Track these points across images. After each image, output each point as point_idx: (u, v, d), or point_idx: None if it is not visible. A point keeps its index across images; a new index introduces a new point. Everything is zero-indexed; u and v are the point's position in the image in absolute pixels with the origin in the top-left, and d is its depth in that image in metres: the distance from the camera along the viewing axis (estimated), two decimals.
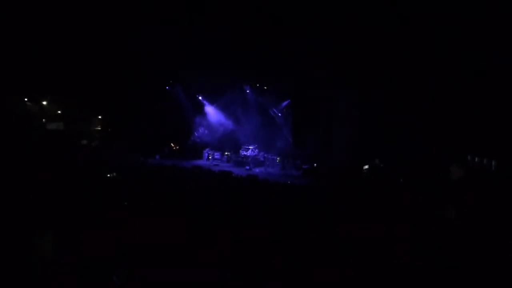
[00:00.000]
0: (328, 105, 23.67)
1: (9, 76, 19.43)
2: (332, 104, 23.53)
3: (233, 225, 9.34)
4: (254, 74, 25.21)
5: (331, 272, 7.12)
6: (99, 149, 25.99)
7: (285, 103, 26.98)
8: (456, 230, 10.78)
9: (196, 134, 28.85)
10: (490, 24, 15.71)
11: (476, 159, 18.30)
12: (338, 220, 10.54)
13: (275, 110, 27.23)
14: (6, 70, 18.41)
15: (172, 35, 20.07)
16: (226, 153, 26.69)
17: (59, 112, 26.67)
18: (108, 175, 14.82)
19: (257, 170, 24.35)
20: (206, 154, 26.68)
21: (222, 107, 27.86)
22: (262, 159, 25.99)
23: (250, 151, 26.08)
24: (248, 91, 27.23)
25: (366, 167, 21.73)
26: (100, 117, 28.62)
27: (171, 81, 27.83)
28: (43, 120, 25.57)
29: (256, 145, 26.48)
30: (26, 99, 24.43)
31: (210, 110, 28.28)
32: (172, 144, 28.03)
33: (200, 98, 28.31)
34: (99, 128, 28.65)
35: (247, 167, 24.51)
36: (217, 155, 26.51)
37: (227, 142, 27.34)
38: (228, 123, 27.91)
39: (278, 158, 25.27)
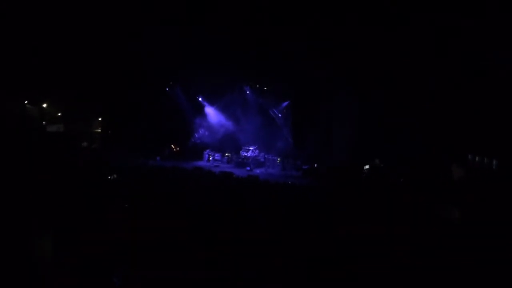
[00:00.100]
0: (328, 105, 23.69)
1: (9, 78, 19.42)
2: (332, 104, 23.54)
3: (233, 225, 9.34)
4: (254, 74, 25.19)
5: (331, 272, 7.12)
6: (100, 150, 26.00)
7: (285, 104, 27.02)
8: (456, 230, 10.77)
9: (196, 136, 28.85)
10: (490, 24, 15.72)
11: (477, 158, 18.30)
12: (338, 220, 10.54)
13: (275, 111, 27.25)
14: (5, 72, 18.41)
15: (171, 35, 20.03)
16: (226, 154, 26.69)
17: (59, 114, 26.67)
18: (109, 177, 14.83)
19: (257, 171, 24.35)
20: (207, 155, 26.67)
21: (222, 108, 27.87)
22: (262, 159, 25.99)
23: (250, 152, 26.09)
24: (248, 92, 27.27)
25: (367, 167, 21.73)
26: (100, 119, 28.64)
27: (171, 83, 27.85)
28: (43, 122, 25.56)
29: (257, 146, 26.50)
30: (26, 102, 24.42)
31: (210, 111, 28.29)
32: (172, 145, 28.03)
33: (200, 99, 28.33)
34: (99, 130, 28.66)
35: (248, 168, 24.51)
36: (217, 156, 26.50)
37: (228, 143, 27.32)
38: (229, 124, 27.90)
39: (278, 159, 25.28)
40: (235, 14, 19.06)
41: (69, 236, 6.52)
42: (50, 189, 8.01)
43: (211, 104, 28.23)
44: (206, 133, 28.74)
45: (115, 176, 15.23)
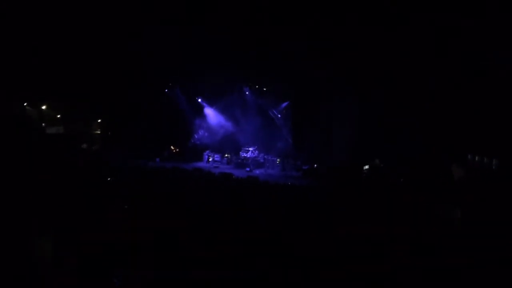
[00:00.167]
0: (328, 105, 23.71)
1: (8, 80, 19.40)
2: (332, 104, 23.56)
3: (233, 225, 9.34)
4: (254, 75, 25.21)
5: (330, 272, 7.11)
6: (99, 152, 26.01)
7: (284, 104, 27.06)
8: (457, 230, 10.76)
9: (196, 137, 28.88)
10: (490, 24, 15.73)
11: (477, 158, 18.31)
12: (338, 220, 10.53)
13: (274, 111, 27.29)
14: (4, 74, 18.39)
15: (170, 36, 20.02)
16: (226, 155, 26.70)
17: (58, 116, 26.67)
18: (109, 178, 14.83)
19: (257, 171, 24.36)
20: (206, 156, 26.67)
21: (222, 109, 27.91)
22: (262, 160, 26.02)
23: (250, 152, 26.12)
24: (247, 92, 27.30)
25: (367, 167, 21.74)
26: (99, 120, 28.65)
27: (170, 84, 27.87)
28: (43, 124, 25.56)
29: (256, 147, 26.52)
30: (25, 104, 24.42)
31: (210, 112, 28.32)
32: (172, 147, 28.05)
33: (199, 100, 28.35)
34: (99, 131, 28.67)
35: (247, 169, 24.51)
36: (217, 157, 26.49)
37: (227, 144, 27.36)
38: (228, 125, 27.95)
39: (278, 159, 25.30)
40: (234, 14, 19.07)
41: (69, 236, 6.52)
42: (50, 190, 8.01)
43: (211, 105, 28.26)
44: (206, 134, 28.78)
45: (114, 177, 15.23)
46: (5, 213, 5.57)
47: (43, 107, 25.86)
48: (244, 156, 26.05)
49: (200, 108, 28.41)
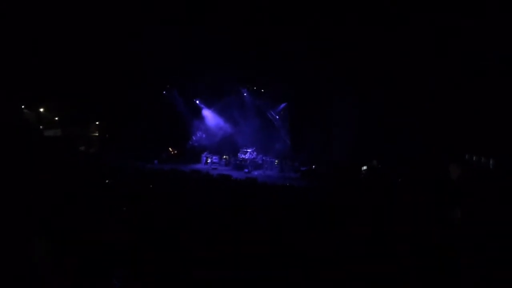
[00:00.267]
0: (328, 105, 23.71)
1: (5, 82, 19.34)
2: (331, 105, 23.57)
3: (232, 225, 9.32)
4: (252, 75, 25.19)
5: (330, 272, 7.10)
6: (97, 154, 25.96)
7: (282, 106, 27.08)
8: (456, 230, 10.76)
9: (194, 138, 28.86)
10: (490, 24, 15.77)
11: (474, 158, 18.35)
12: (338, 220, 10.52)
13: (272, 113, 27.30)
14: (1, 76, 18.32)
15: (167, 38, 19.99)
16: (224, 157, 26.67)
17: (56, 118, 26.64)
18: (107, 181, 14.79)
19: (255, 173, 24.33)
20: (204, 158, 26.61)
21: (220, 111, 27.91)
22: (260, 162, 25.99)
23: (248, 154, 26.09)
24: (245, 94, 27.30)
25: (365, 168, 21.75)
26: (97, 122, 28.62)
27: (168, 86, 27.86)
28: (41, 127, 25.52)
29: (254, 148, 26.49)
30: (23, 107, 24.38)
31: (208, 114, 28.32)
32: (170, 148, 28.01)
33: (197, 102, 28.34)
34: (97, 134, 28.64)
35: (246, 170, 24.47)
36: (215, 158, 26.44)
37: (225, 145, 27.34)
38: (226, 127, 27.95)
39: (276, 161, 25.29)
40: (234, 14, 19.06)
41: (68, 237, 6.50)
42: (49, 191, 8.00)
43: (209, 106, 28.26)
44: (204, 135, 28.78)
45: (113, 179, 15.19)
46: (4, 213, 5.56)
47: (41, 110, 25.82)
48: (243, 158, 26.02)
49: (198, 110, 28.39)
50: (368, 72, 20.73)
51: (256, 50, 21.33)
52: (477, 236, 8.99)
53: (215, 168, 24.80)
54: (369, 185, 19.24)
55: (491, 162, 17.90)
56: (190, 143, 28.71)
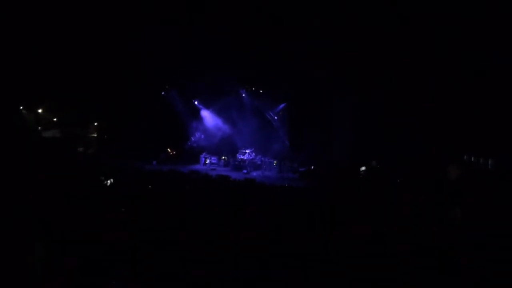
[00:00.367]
0: (327, 105, 23.71)
1: (3, 83, 19.30)
2: (331, 105, 23.57)
3: (232, 225, 9.31)
4: (251, 76, 25.15)
5: (330, 272, 7.08)
6: (96, 155, 25.93)
7: (281, 106, 27.08)
8: (456, 230, 10.76)
9: (192, 139, 28.83)
10: (490, 24, 15.78)
11: (472, 158, 18.38)
12: (337, 220, 10.51)
13: (271, 114, 27.29)
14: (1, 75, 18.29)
15: (165, 38, 19.97)
16: (223, 158, 26.63)
17: (54, 119, 26.60)
18: (106, 182, 14.77)
19: (254, 173, 24.30)
20: (203, 159, 26.58)
21: (218, 111, 27.89)
22: (259, 162, 25.94)
23: (247, 155, 26.06)
24: (244, 94, 27.30)
25: (363, 168, 21.75)
26: (96, 123, 28.59)
27: (166, 86, 27.84)
28: (39, 128, 25.49)
29: (253, 149, 26.46)
30: (21, 107, 24.33)
31: (206, 115, 28.30)
32: (168, 149, 27.98)
33: (196, 102, 28.33)
34: (95, 134, 28.61)
35: (245, 171, 24.44)
36: (214, 159, 26.38)
37: (224, 146, 27.30)
38: (225, 127, 27.93)
39: (275, 161, 25.25)
40: (233, 14, 19.05)
41: (68, 237, 6.48)
42: (49, 191, 7.98)
43: (207, 107, 28.24)
44: (202, 136, 28.74)
45: (112, 180, 15.17)
46: (4, 214, 5.55)
47: (39, 111, 25.78)
48: (241, 158, 25.98)
49: (196, 111, 28.37)
50: (367, 73, 20.72)
51: (255, 50, 21.31)
52: (477, 236, 8.99)
53: (213, 169, 24.76)
54: (368, 185, 19.24)
55: (489, 162, 17.94)
56: (189, 143, 28.68)
